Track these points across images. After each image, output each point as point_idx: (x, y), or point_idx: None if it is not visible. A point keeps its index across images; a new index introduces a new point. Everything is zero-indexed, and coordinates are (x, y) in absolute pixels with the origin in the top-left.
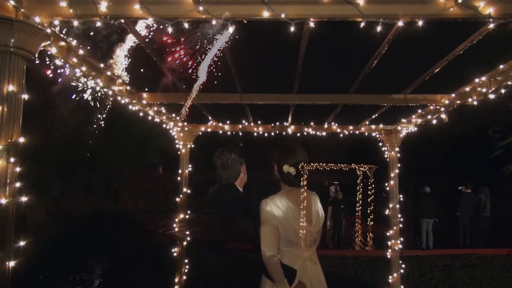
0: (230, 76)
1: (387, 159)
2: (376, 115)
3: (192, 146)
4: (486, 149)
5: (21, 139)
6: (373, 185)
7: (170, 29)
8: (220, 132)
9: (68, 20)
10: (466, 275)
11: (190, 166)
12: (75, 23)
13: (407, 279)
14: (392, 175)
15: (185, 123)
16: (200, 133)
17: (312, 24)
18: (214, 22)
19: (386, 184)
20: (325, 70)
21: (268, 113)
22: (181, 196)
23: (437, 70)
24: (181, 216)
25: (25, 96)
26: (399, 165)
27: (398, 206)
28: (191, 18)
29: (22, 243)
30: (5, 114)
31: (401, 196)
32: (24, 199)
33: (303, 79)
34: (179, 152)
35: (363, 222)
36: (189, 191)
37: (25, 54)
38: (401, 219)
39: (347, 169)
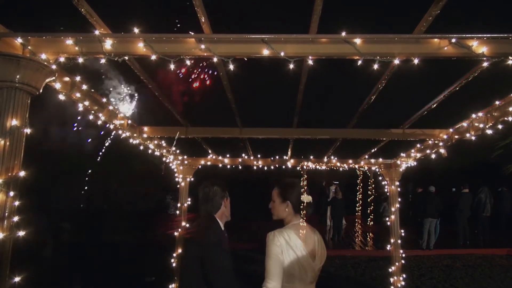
0: (231, 111)
1: (387, 193)
2: (375, 149)
3: (192, 179)
4: (486, 149)
5: (22, 173)
6: (373, 185)
7: (172, 66)
8: (220, 165)
9: (73, 57)
10: (466, 275)
11: (189, 199)
12: (80, 60)
13: (407, 279)
14: (393, 209)
15: (185, 156)
16: (200, 167)
17: (310, 62)
18: (215, 59)
19: (387, 219)
20: (324, 105)
21: (268, 147)
22: (180, 230)
23: (434, 105)
24: (179, 251)
25: (28, 130)
26: (399, 199)
27: (399, 241)
28: (193, 55)
29: (17, 279)
30: (7, 148)
31: (402, 231)
32: (21, 233)
33: (303, 114)
34: (178, 186)
35: (363, 222)
36: (187, 225)
37: (30, 90)
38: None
39: (347, 169)
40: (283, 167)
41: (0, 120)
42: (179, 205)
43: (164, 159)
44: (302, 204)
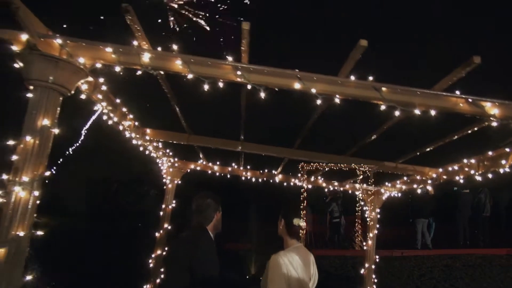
0: (238, 125)
1: (367, 219)
2: (363, 176)
3: (179, 182)
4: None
5: (47, 173)
6: (373, 185)
7: (205, 86)
8: (209, 172)
9: (110, 64)
10: (466, 275)
11: (174, 202)
12: (117, 68)
13: (407, 279)
14: (371, 235)
15: (176, 159)
16: (188, 170)
17: (337, 100)
18: (249, 86)
19: (364, 244)
20: (331, 134)
21: (260, 161)
22: (161, 231)
23: (431, 148)
24: (158, 252)
25: (56, 131)
26: (378, 225)
27: (373, 266)
28: (227, 79)
29: (29, 277)
30: (35, 147)
31: (377, 257)
32: (40, 233)
33: (305, 137)
34: (164, 187)
35: (363, 222)
36: (169, 227)
37: (62, 91)
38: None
39: (347, 169)
40: (271, 181)
41: (31, 119)
42: (163, 206)
43: (158, 161)
44: (300, 228)
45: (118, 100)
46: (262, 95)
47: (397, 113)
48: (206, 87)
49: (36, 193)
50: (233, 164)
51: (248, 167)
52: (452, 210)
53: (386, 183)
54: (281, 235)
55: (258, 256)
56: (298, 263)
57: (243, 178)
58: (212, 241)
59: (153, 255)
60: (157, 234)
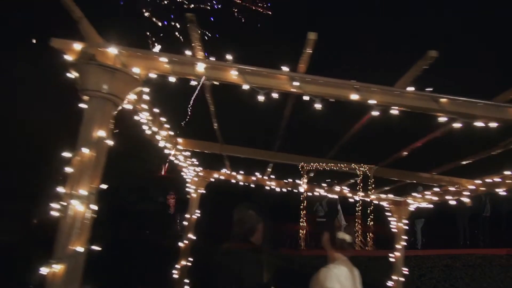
0: (276, 135)
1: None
2: (393, 186)
3: (204, 191)
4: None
5: (103, 186)
6: (373, 185)
7: (260, 97)
8: (233, 181)
9: (164, 74)
10: (466, 275)
11: (198, 211)
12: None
13: (407, 279)
14: (399, 247)
15: (200, 168)
16: (212, 180)
17: (396, 112)
18: (306, 97)
19: (392, 255)
20: (365, 144)
21: (286, 171)
22: (185, 241)
23: (472, 161)
24: (183, 262)
25: (111, 142)
26: (405, 237)
27: (403, 279)
28: (283, 90)
29: None
30: (92, 159)
31: (405, 269)
32: (97, 248)
33: (342, 147)
34: (188, 196)
35: (363, 222)
36: (194, 237)
37: (116, 101)
38: None
39: (347, 169)
40: (295, 190)
41: (87, 130)
42: (187, 216)
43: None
44: (345, 242)
45: (157, 110)
46: (318, 106)
47: (457, 125)
48: (261, 98)
49: (94, 206)
50: (257, 173)
51: (273, 176)
52: (452, 210)
53: (414, 194)
54: (325, 248)
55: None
56: (348, 276)
57: (267, 187)
58: (257, 254)
59: (177, 266)
60: (181, 244)
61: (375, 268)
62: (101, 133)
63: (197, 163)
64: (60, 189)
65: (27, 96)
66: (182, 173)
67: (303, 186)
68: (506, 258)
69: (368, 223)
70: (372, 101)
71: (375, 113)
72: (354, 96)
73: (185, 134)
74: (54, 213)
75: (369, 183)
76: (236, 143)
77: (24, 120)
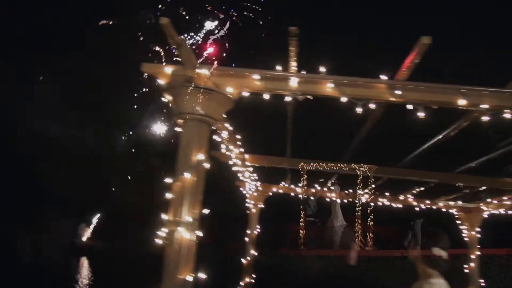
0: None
1: (466, 240)
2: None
3: (263, 206)
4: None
5: (206, 211)
6: (373, 185)
7: (358, 109)
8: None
9: (256, 92)
10: (466, 275)
11: (258, 227)
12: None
13: (407, 279)
14: (473, 257)
15: (259, 183)
16: (271, 194)
17: (508, 115)
18: (409, 106)
19: (466, 266)
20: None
21: (348, 182)
22: (248, 258)
23: None
24: (247, 280)
25: (208, 165)
26: (479, 246)
27: None
28: (382, 99)
29: None
30: (193, 184)
31: (482, 281)
32: (203, 276)
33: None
34: (248, 211)
35: (363, 222)
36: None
37: (211, 122)
38: None
39: (347, 169)
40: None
41: (185, 154)
42: (248, 232)
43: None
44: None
45: (230, 127)
46: (422, 114)
47: None
48: (359, 110)
49: (199, 232)
50: (317, 186)
51: (333, 188)
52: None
53: (488, 199)
54: (416, 263)
55: None
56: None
57: (327, 199)
58: None
59: (242, 283)
60: (243, 261)
61: (375, 268)
62: (200, 156)
63: (257, 177)
64: (164, 216)
65: None
66: (241, 189)
67: (365, 196)
68: (506, 258)
69: (368, 223)
70: (484, 106)
71: (486, 118)
72: (462, 102)
73: (252, 150)
74: (158, 241)
75: (369, 182)
76: (304, 156)
77: None
